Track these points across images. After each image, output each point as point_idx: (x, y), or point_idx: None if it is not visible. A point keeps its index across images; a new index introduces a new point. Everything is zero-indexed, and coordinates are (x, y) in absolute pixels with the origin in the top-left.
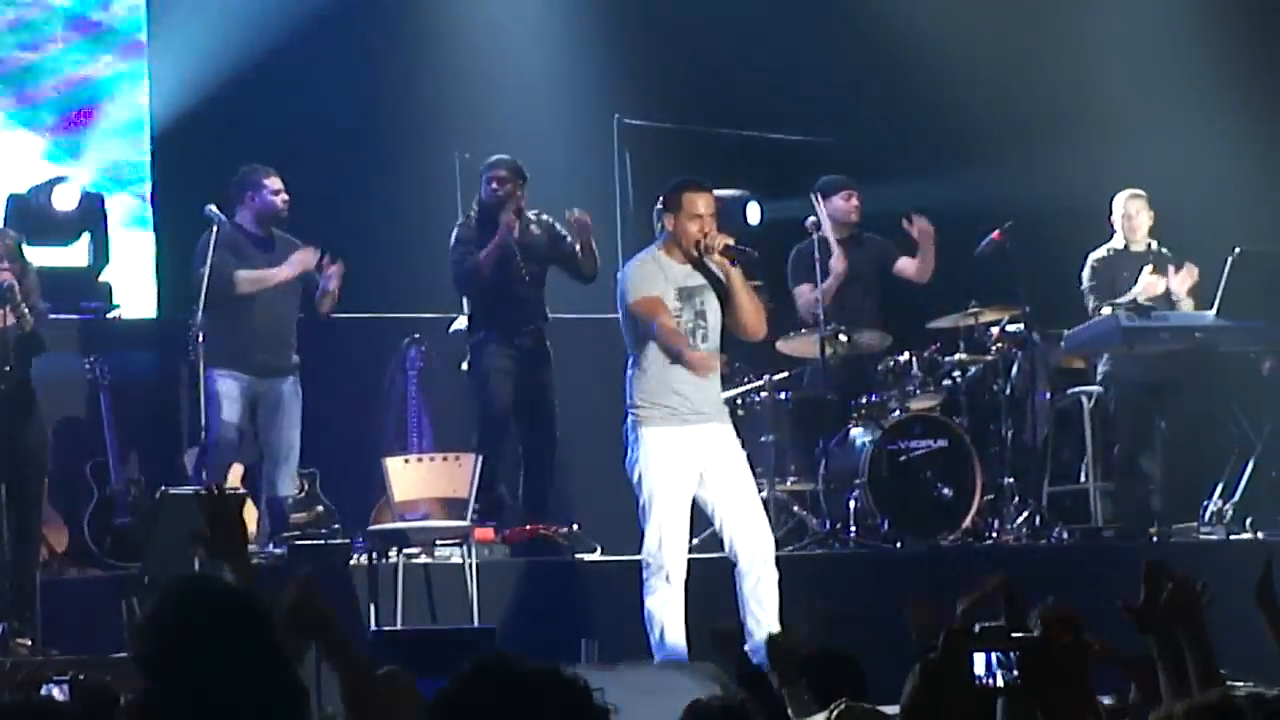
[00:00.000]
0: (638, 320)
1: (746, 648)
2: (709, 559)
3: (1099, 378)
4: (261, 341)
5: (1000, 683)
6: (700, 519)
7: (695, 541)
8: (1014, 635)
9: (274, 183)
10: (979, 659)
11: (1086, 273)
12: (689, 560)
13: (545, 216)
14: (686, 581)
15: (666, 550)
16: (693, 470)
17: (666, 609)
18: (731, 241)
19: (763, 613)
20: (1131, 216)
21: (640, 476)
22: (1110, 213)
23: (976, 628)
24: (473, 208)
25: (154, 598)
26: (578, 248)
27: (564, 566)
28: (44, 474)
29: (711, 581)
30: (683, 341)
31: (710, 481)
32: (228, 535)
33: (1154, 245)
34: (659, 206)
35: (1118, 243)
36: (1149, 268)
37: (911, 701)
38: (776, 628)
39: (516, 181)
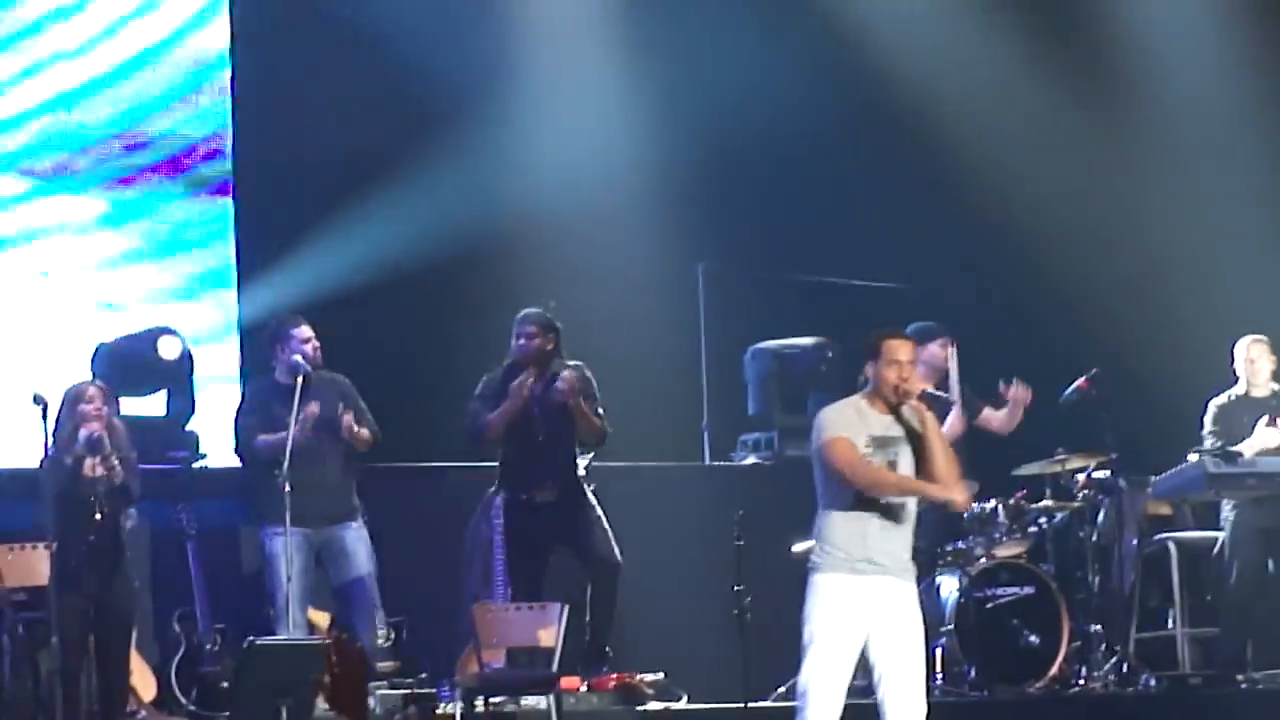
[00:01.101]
0: (830, 462)
1: None
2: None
3: (1221, 523)
4: (312, 494)
5: None
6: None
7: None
8: None
9: (302, 332)
10: None
11: (1209, 418)
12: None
13: (587, 373)
14: None
15: (814, 696)
16: (863, 620)
17: None
18: (929, 388)
19: None
20: (1254, 360)
21: (807, 620)
22: (1232, 359)
23: None
24: (505, 361)
25: None
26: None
27: (651, 716)
28: (131, 628)
29: None
30: (888, 475)
31: (880, 637)
32: (350, 685)
33: (1277, 389)
34: (865, 356)
35: (1240, 389)
36: (1264, 419)
37: None
38: None
39: (547, 336)
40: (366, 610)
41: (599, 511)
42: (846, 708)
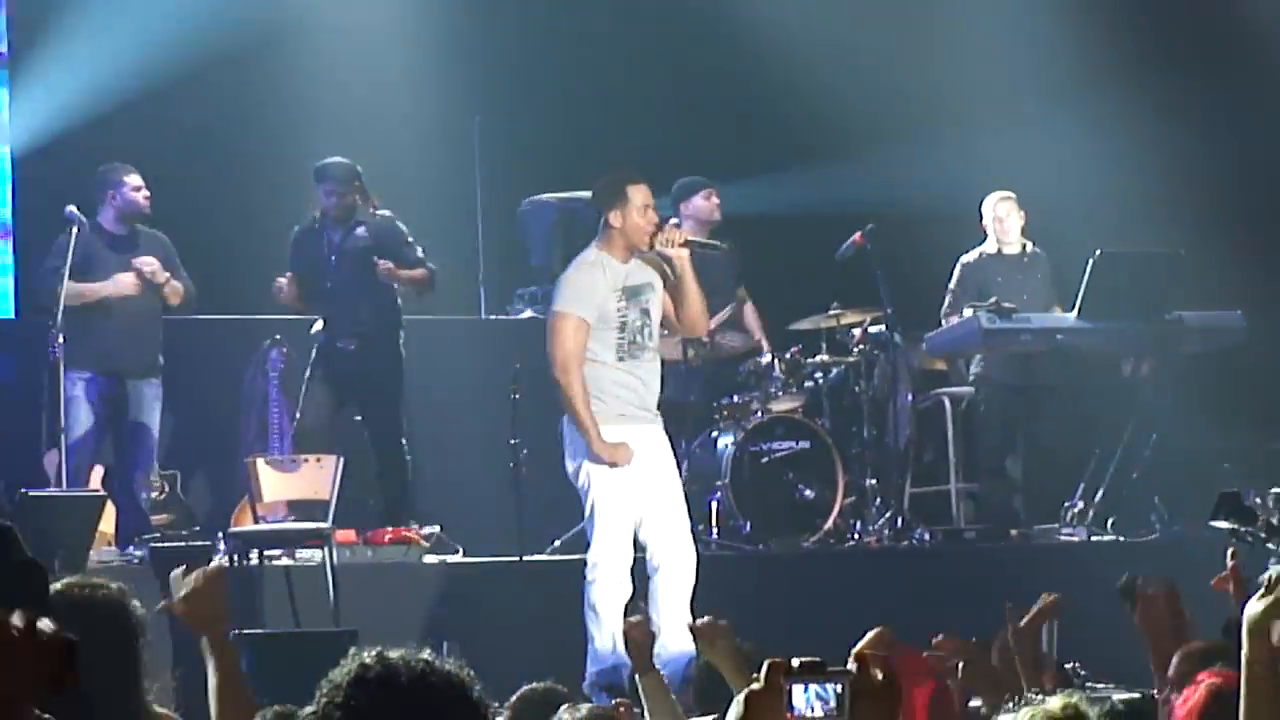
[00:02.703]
0: (550, 337)
1: (655, 650)
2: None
3: (970, 379)
4: (121, 343)
5: (819, 714)
6: None
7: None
8: (830, 670)
9: (134, 180)
10: (798, 690)
11: (955, 275)
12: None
13: (398, 223)
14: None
15: (608, 550)
16: (633, 471)
17: (607, 609)
18: (691, 236)
19: (675, 616)
20: (1002, 219)
21: (584, 476)
22: (981, 216)
23: (795, 661)
24: (313, 213)
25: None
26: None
27: (425, 569)
28: None
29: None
30: (593, 427)
31: (644, 484)
32: (208, 607)
33: (1027, 247)
34: (595, 203)
35: (989, 246)
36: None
37: None
38: (688, 638)
39: (346, 187)
40: (145, 466)
41: (400, 372)
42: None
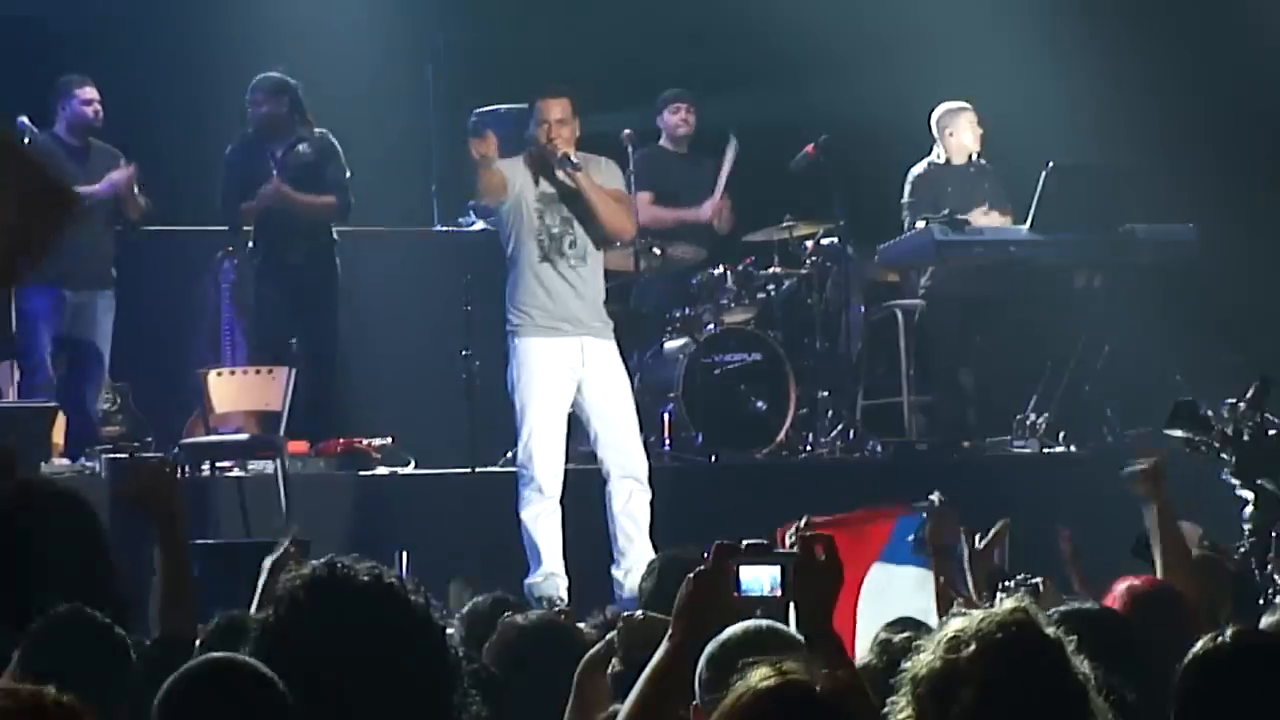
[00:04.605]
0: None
1: (614, 569)
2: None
3: (920, 292)
4: (73, 256)
5: (765, 593)
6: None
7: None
8: (775, 552)
9: (85, 93)
10: (745, 571)
11: (907, 189)
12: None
13: (330, 139)
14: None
15: (539, 462)
16: (568, 382)
17: (540, 521)
18: (569, 152)
19: (635, 530)
20: (952, 134)
21: (514, 387)
22: (931, 127)
23: (743, 544)
24: (246, 129)
25: None
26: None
27: (377, 480)
28: None
29: (593, 495)
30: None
31: (587, 395)
32: (159, 493)
33: (973, 157)
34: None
35: (937, 157)
36: (982, 209)
37: (683, 605)
38: (647, 547)
39: (278, 100)
40: (96, 378)
41: (337, 289)
42: (569, 472)
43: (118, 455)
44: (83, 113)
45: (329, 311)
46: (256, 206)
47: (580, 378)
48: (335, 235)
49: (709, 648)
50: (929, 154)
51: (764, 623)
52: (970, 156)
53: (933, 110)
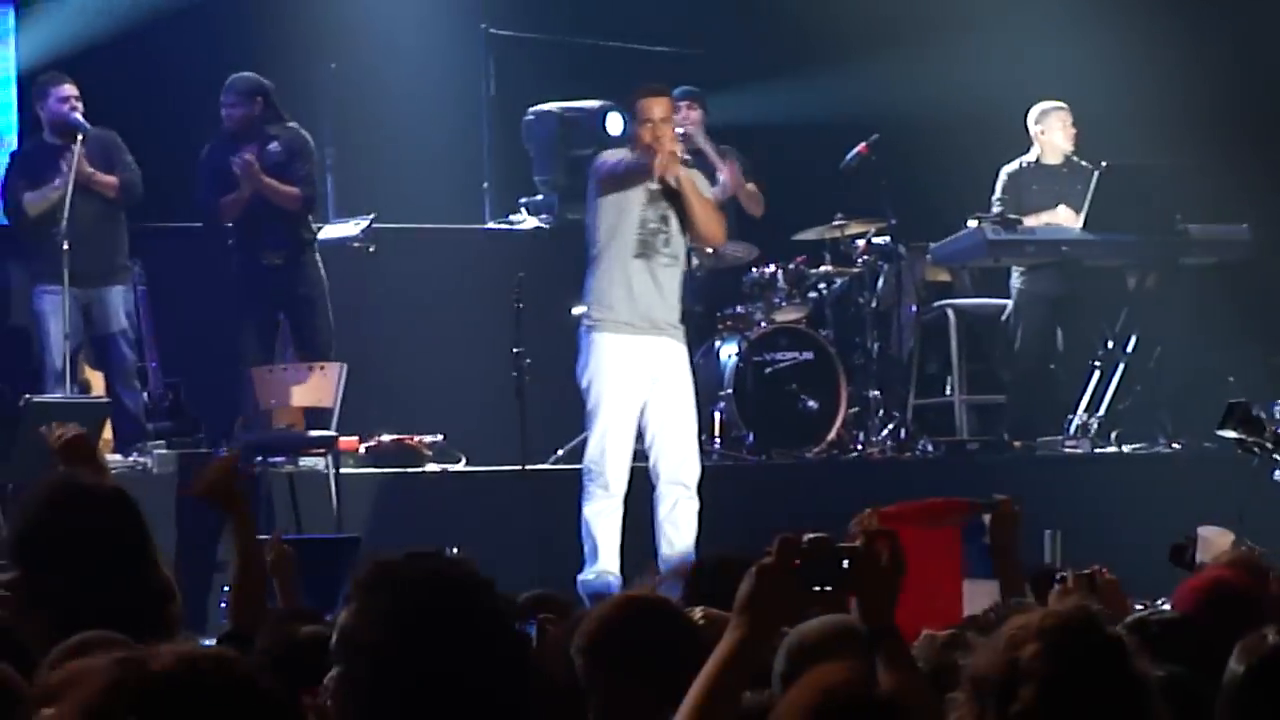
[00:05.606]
0: (597, 171)
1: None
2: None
3: (1013, 294)
4: (78, 252)
5: (827, 588)
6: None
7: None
8: (838, 546)
9: (62, 90)
10: (808, 566)
11: (999, 185)
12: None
13: (303, 132)
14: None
15: (610, 460)
16: (644, 381)
17: (601, 519)
18: (680, 150)
19: (677, 537)
20: (1044, 131)
21: (589, 383)
22: (1027, 126)
23: (805, 537)
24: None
25: (32, 493)
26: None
27: (427, 477)
28: None
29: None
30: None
31: (655, 397)
32: (226, 486)
33: (1070, 158)
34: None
35: (1031, 156)
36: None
37: (745, 599)
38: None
39: (250, 102)
40: (123, 371)
41: (324, 287)
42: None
43: (193, 452)
44: (57, 110)
45: (319, 311)
46: (237, 199)
47: (654, 379)
48: (314, 234)
49: (787, 640)
50: (1024, 152)
51: (843, 618)
52: (1065, 157)
53: (1029, 109)
